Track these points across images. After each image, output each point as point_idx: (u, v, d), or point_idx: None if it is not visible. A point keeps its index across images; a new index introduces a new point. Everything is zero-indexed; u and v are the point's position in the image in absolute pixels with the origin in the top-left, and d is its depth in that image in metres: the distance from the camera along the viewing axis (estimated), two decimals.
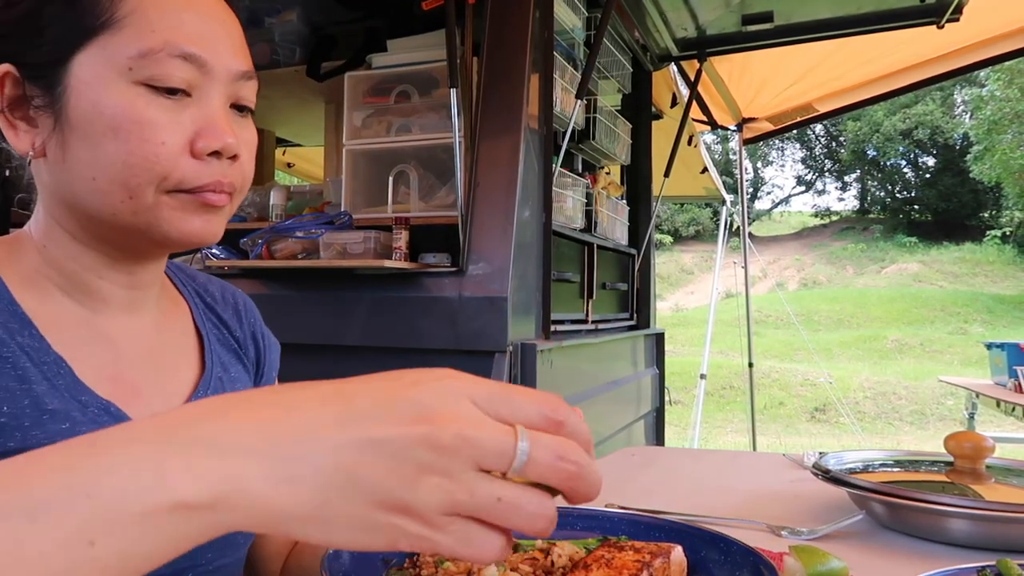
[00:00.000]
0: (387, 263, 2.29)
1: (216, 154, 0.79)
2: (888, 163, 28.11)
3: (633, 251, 3.80)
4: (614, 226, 3.53)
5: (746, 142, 5.51)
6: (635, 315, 3.84)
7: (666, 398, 4.14)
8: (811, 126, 24.46)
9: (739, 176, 6.24)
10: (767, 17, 3.65)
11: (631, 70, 3.60)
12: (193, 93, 0.79)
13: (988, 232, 23.48)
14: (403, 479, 0.44)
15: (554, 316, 2.58)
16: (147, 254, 0.85)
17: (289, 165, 5.67)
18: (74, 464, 0.42)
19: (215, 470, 0.43)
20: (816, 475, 1.19)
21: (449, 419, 0.45)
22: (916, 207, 27.82)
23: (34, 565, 0.39)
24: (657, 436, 4.03)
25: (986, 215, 24.74)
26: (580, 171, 3.21)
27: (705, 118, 5.09)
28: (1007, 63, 10.86)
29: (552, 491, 0.48)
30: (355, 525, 0.44)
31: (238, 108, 0.84)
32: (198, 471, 0.42)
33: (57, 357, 0.78)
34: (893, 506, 1.07)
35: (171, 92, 0.77)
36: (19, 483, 0.41)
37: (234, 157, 0.81)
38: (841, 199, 32.59)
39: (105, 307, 0.85)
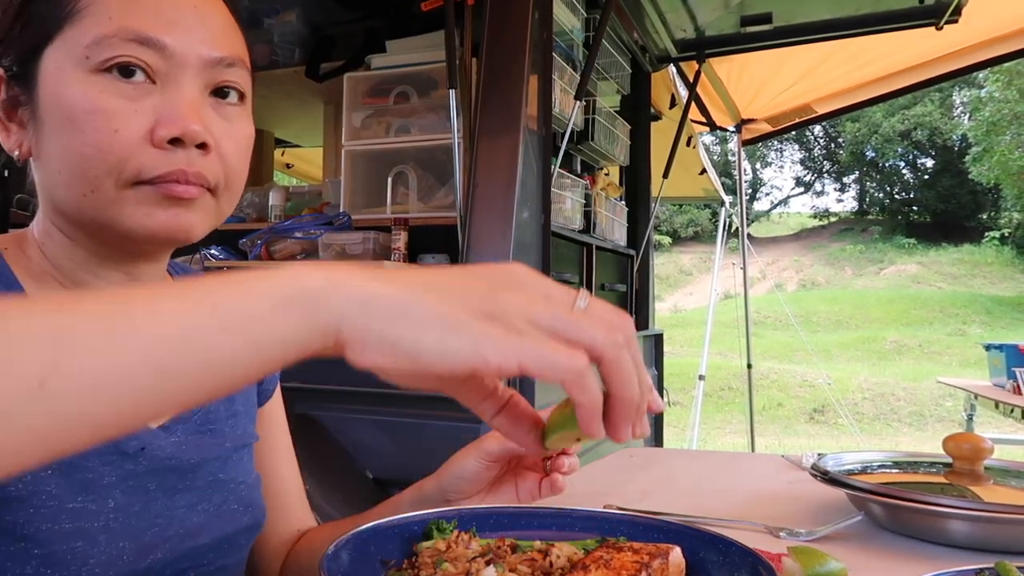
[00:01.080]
0: (386, 264, 2.29)
1: (179, 142, 0.75)
2: (887, 164, 28.12)
3: (632, 252, 3.80)
4: (613, 227, 3.53)
5: (745, 143, 5.51)
6: (634, 316, 3.84)
7: (665, 399, 4.14)
8: (810, 127, 24.51)
9: (738, 177, 6.24)
10: (766, 18, 3.65)
11: (630, 71, 3.60)
12: (158, 80, 0.75)
13: (987, 233, 23.49)
14: (487, 290, 0.50)
15: None
16: (133, 252, 0.83)
17: (288, 166, 5.67)
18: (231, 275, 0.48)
19: (333, 270, 0.49)
20: (815, 476, 1.19)
21: (515, 264, 0.54)
22: (915, 208, 27.84)
23: (165, 322, 0.44)
24: (656, 437, 4.03)
25: (985, 216, 24.76)
26: (579, 172, 3.21)
27: (704, 119, 5.09)
28: (1006, 64, 10.87)
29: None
30: (444, 323, 0.48)
31: (222, 95, 0.80)
32: (317, 274, 0.48)
33: None
34: (892, 507, 1.07)
35: (126, 75, 0.74)
36: (199, 286, 0.47)
37: (204, 146, 0.77)
38: (840, 200, 32.68)
39: None
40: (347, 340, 0.48)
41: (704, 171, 5.71)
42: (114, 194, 0.74)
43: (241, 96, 0.82)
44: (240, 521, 0.90)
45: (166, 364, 0.44)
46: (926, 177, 27.55)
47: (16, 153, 0.79)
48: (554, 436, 0.60)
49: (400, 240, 2.38)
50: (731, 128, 5.40)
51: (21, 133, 0.78)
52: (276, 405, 1.08)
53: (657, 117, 4.40)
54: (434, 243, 2.44)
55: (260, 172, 3.84)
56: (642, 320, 3.90)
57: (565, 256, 2.88)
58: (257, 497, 0.95)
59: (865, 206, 29.86)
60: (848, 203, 30.99)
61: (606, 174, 3.57)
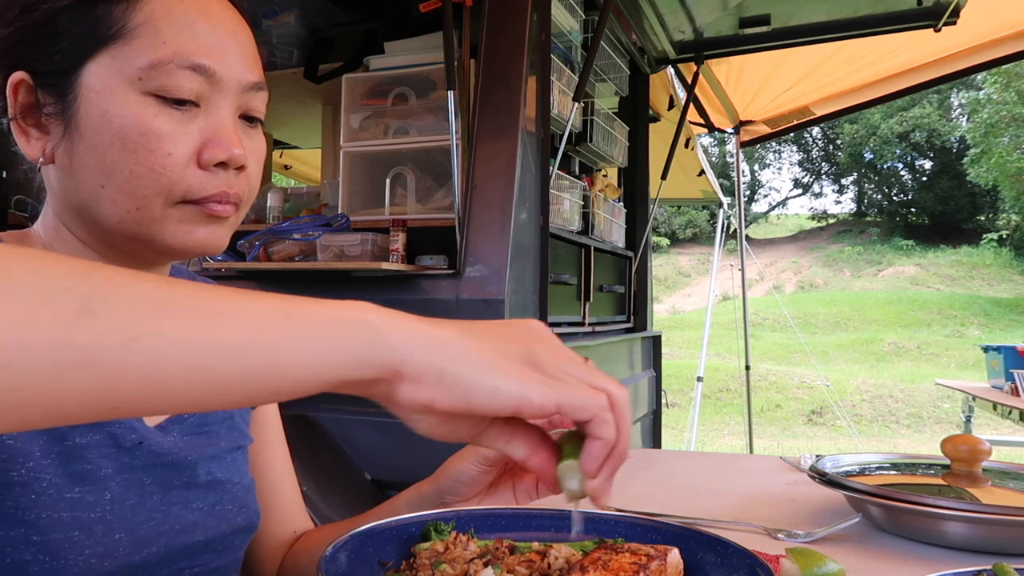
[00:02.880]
0: (384, 265, 2.29)
1: (223, 165, 0.79)
2: (885, 166, 28.16)
3: (630, 253, 3.80)
4: (611, 228, 3.53)
5: (743, 145, 5.52)
6: (632, 317, 3.84)
7: (663, 401, 4.14)
8: (808, 129, 24.49)
9: (736, 179, 6.24)
10: (764, 20, 3.65)
11: (628, 73, 3.60)
12: (202, 104, 0.79)
13: (985, 235, 23.52)
14: (523, 341, 0.57)
15: (551, 318, 2.58)
16: (151, 261, 0.86)
17: (286, 167, 5.67)
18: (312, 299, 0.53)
19: (390, 312, 0.54)
20: (813, 478, 1.19)
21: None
22: (913, 210, 27.87)
23: (248, 317, 0.48)
24: (654, 439, 4.03)
25: (983, 218, 24.79)
26: (577, 173, 3.21)
27: (702, 121, 5.10)
28: (1004, 66, 10.88)
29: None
30: (496, 367, 0.53)
31: (247, 119, 0.84)
32: (383, 311, 0.53)
33: None
34: (890, 509, 1.07)
35: (179, 103, 0.77)
36: (273, 296, 0.51)
37: (241, 168, 0.82)
38: (838, 202, 32.75)
39: None
40: (407, 374, 0.52)
41: (702, 173, 5.72)
42: (159, 212, 0.78)
43: (261, 116, 0.87)
44: (234, 521, 0.91)
45: (242, 354, 0.48)
46: (924, 179, 27.59)
47: (40, 159, 0.80)
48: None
49: (398, 241, 2.38)
50: (729, 130, 5.40)
51: (43, 139, 0.79)
52: (270, 408, 1.09)
53: (655, 119, 4.40)
54: (432, 244, 2.44)
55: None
56: (640, 321, 3.90)
57: (563, 257, 2.88)
58: (251, 499, 0.96)
59: (863, 208, 29.89)
60: (846, 205, 31.07)
61: (604, 175, 3.57)
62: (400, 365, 0.51)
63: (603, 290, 3.36)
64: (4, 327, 0.41)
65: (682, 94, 4.31)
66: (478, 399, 0.52)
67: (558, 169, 2.73)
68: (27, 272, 0.44)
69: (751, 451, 6.09)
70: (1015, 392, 4.98)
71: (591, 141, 3.08)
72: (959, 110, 26.16)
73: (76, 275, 0.45)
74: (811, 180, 31.78)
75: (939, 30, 3.52)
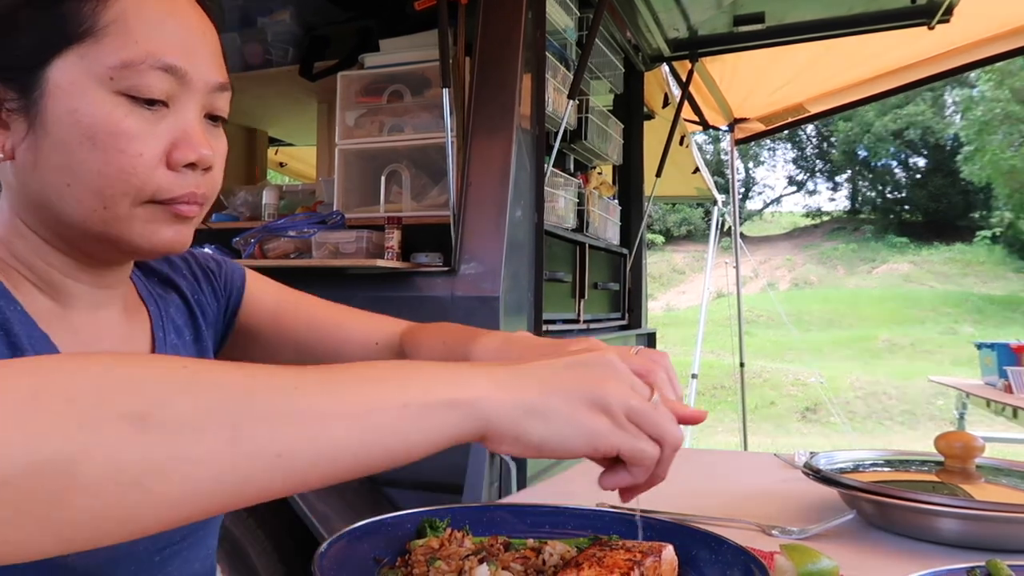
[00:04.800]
0: (379, 262, 2.29)
1: (191, 165, 0.79)
2: (879, 164, 28.15)
3: (625, 251, 3.81)
4: (606, 226, 3.53)
5: (737, 142, 5.52)
6: (627, 315, 3.85)
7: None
8: (802, 127, 24.52)
9: (730, 176, 6.24)
10: (759, 18, 3.66)
11: (623, 70, 3.60)
12: (171, 104, 0.79)
13: (978, 232, 23.52)
14: (596, 382, 0.64)
15: (546, 316, 2.58)
16: (113, 260, 0.85)
17: (281, 165, 5.66)
18: (397, 365, 0.63)
19: (484, 378, 0.61)
20: (807, 475, 1.20)
21: (601, 351, 0.71)
22: (907, 207, 27.87)
23: (373, 412, 0.56)
24: None
25: (976, 216, 24.77)
26: (572, 171, 3.21)
27: (697, 118, 5.10)
28: (998, 64, 10.89)
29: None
30: (566, 419, 0.62)
31: (211, 119, 0.84)
32: (471, 383, 0.61)
33: (43, 334, 0.78)
34: (883, 505, 1.08)
35: (150, 103, 0.77)
36: (360, 368, 0.60)
37: (207, 168, 0.82)
38: (832, 199, 32.68)
39: (75, 302, 0.84)
40: (490, 436, 0.60)
41: (697, 170, 5.72)
42: (126, 212, 0.78)
43: (225, 116, 0.87)
44: None
45: (368, 447, 0.55)
46: (918, 176, 27.59)
47: None
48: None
49: (393, 239, 2.38)
50: (724, 127, 5.40)
51: (4, 135, 0.78)
52: (256, 301, 1.09)
53: (650, 116, 4.40)
54: (427, 242, 2.43)
55: (254, 171, 3.84)
56: (635, 319, 3.91)
57: (558, 255, 2.89)
58: None
59: (857, 205, 29.88)
60: (840, 202, 31.03)
61: (599, 173, 3.57)
62: (485, 430, 0.60)
63: (598, 287, 3.36)
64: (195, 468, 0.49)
65: (676, 92, 4.32)
66: (549, 451, 0.62)
67: (553, 167, 2.73)
68: (191, 406, 0.50)
69: (745, 448, 6.10)
70: (1008, 389, 4.99)
71: (586, 139, 3.08)
72: (953, 108, 26.16)
73: (224, 401, 0.51)
74: (805, 178, 31.77)
75: (933, 28, 3.53)
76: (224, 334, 1.07)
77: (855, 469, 1.26)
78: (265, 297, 1.09)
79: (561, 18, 2.84)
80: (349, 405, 0.55)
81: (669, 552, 0.75)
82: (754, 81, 4.71)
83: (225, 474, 0.49)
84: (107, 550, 0.78)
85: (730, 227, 6.39)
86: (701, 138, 18.33)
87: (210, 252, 1.10)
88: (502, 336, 0.94)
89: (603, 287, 3.45)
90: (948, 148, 25.54)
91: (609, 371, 0.66)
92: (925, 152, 27.10)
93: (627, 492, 0.69)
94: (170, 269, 1.02)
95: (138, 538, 0.49)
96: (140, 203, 0.78)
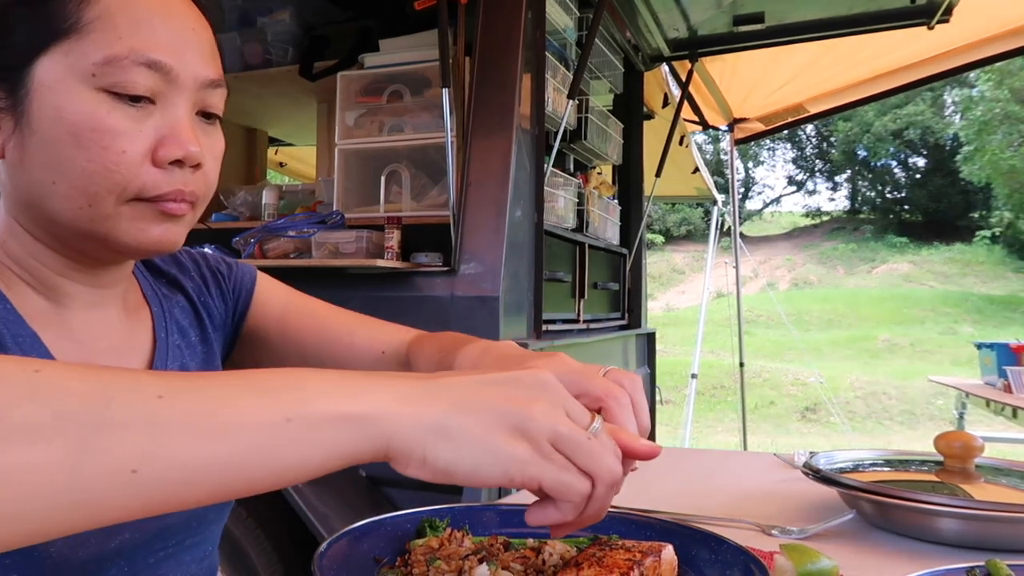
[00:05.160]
0: (379, 262, 2.29)
1: (178, 163, 0.78)
2: (879, 163, 28.16)
3: (624, 251, 3.81)
4: (606, 226, 3.53)
5: (737, 142, 5.52)
6: (626, 315, 3.85)
7: (657, 397, 4.15)
8: (802, 127, 24.54)
9: (730, 176, 6.25)
10: (758, 18, 3.66)
11: (623, 70, 3.60)
12: (158, 101, 0.78)
13: (978, 232, 23.53)
14: (519, 402, 0.56)
15: (546, 316, 2.58)
16: (107, 260, 0.85)
17: (281, 164, 5.66)
18: (293, 372, 0.55)
19: (387, 392, 0.55)
20: (806, 474, 1.20)
21: (539, 369, 0.61)
22: (906, 207, 27.88)
23: (245, 427, 0.50)
24: (648, 436, 4.03)
25: (976, 215, 24.78)
26: (572, 171, 3.21)
27: (696, 118, 5.10)
28: (997, 64, 10.90)
29: None
30: (477, 442, 0.54)
31: (205, 116, 0.84)
32: (369, 397, 0.54)
33: (32, 333, 0.78)
34: (883, 505, 1.08)
35: (134, 100, 0.76)
36: (251, 375, 0.54)
37: (197, 166, 0.81)
38: (832, 199, 32.70)
39: (71, 302, 0.84)
40: (393, 456, 0.54)
41: (697, 170, 5.72)
42: (112, 210, 0.77)
43: (219, 113, 0.86)
44: None
45: (242, 466, 0.50)
46: (918, 176, 27.60)
47: None
48: None
49: (393, 239, 2.38)
50: (723, 127, 5.40)
51: None
52: (264, 303, 1.08)
53: (650, 116, 4.40)
54: (427, 242, 2.44)
55: (253, 171, 3.84)
56: (635, 319, 3.91)
57: (558, 255, 2.89)
58: None
59: (857, 205, 29.88)
60: (840, 202, 31.04)
61: (599, 173, 3.57)
62: (387, 449, 0.54)
63: (598, 287, 3.36)
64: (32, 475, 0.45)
65: (676, 91, 4.31)
66: (460, 478, 0.55)
67: (553, 166, 2.73)
68: (29, 409, 0.46)
69: (745, 448, 6.10)
70: (1008, 389, 4.99)
71: (586, 138, 3.08)
72: (952, 108, 26.16)
73: (76, 407, 0.47)
74: (805, 177, 31.78)
75: (932, 28, 3.53)
76: (233, 338, 1.06)
77: (855, 469, 1.26)
78: (273, 299, 1.08)
79: (561, 18, 2.84)
80: (221, 418, 0.50)
81: (669, 552, 0.75)
82: (754, 81, 4.71)
83: (72, 490, 0.45)
84: (95, 549, 0.78)
85: (730, 227, 6.39)
86: (701, 138, 18.36)
87: (221, 255, 1.09)
88: (483, 345, 0.89)
89: (603, 287, 3.45)
90: (948, 148, 25.55)
91: (538, 391, 0.59)
92: (925, 152, 27.10)
93: (557, 529, 0.62)
94: (178, 271, 1.01)
95: None
96: (125, 201, 0.77)
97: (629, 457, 0.63)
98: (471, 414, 0.55)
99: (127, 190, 0.76)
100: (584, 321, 3.17)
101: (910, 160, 27.96)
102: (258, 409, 0.51)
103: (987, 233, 23.16)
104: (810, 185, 31.84)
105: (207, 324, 1.01)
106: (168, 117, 0.78)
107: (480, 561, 0.72)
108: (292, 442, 0.51)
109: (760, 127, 5.33)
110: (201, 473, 0.48)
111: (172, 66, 0.77)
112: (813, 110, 4.99)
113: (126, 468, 0.46)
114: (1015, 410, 4.76)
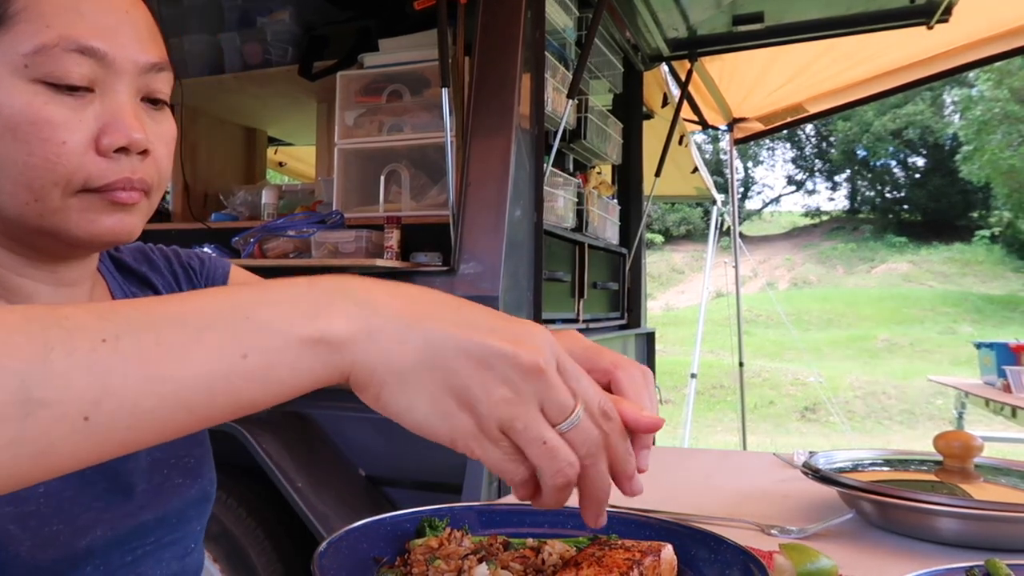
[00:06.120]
0: (379, 262, 2.29)
1: (123, 150, 0.77)
2: (878, 163, 28.16)
3: (624, 250, 3.81)
4: (605, 225, 3.53)
5: (737, 142, 5.53)
6: (626, 314, 3.85)
7: (657, 397, 4.15)
8: (801, 126, 24.52)
9: (730, 176, 6.25)
10: (758, 18, 3.66)
11: (622, 70, 3.61)
12: (96, 88, 0.76)
13: (977, 232, 23.53)
14: (481, 381, 0.52)
15: (545, 315, 2.58)
16: (64, 255, 0.83)
17: (281, 164, 5.66)
18: (239, 294, 0.51)
19: (358, 319, 0.51)
20: (806, 474, 1.20)
21: (537, 351, 0.53)
22: (906, 207, 27.88)
23: (197, 368, 0.47)
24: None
25: (975, 215, 24.78)
26: (571, 170, 3.21)
27: (696, 118, 5.11)
28: (996, 64, 10.90)
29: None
30: (430, 400, 0.52)
31: (152, 102, 0.82)
32: (346, 317, 0.51)
33: None
34: (882, 505, 1.08)
35: (71, 89, 0.74)
36: (191, 304, 0.50)
37: (144, 152, 0.79)
38: (831, 199, 32.72)
39: (32, 302, 0.82)
40: (351, 383, 0.52)
41: (696, 170, 5.72)
42: (59, 203, 0.75)
43: (167, 99, 0.84)
44: (187, 495, 0.91)
45: (196, 405, 0.48)
46: (917, 176, 27.60)
47: None
48: None
49: (393, 238, 2.38)
50: (723, 127, 5.41)
51: None
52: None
53: (649, 116, 4.41)
54: (427, 241, 2.44)
55: (253, 170, 3.84)
56: (634, 318, 3.91)
57: (557, 254, 2.89)
58: (206, 469, 0.95)
59: (856, 205, 29.88)
60: (839, 202, 31.05)
61: (598, 172, 3.58)
62: (347, 376, 0.52)
63: (597, 287, 3.36)
64: None
65: (676, 91, 4.32)
66: (409, 425, 0.53)
67: (552, 166, 2.74)
68: None
69: (744, 447, 6.11)
70: (1007, 388, 4.99)
71: (585, 138, 3.08)
72: (952, 107, 26.15)
73: (16, 353, 0.44)
74: (804, 177, 31.78)
75: (932, 28, 3.53)
76: None
77: (854, 469, 1.26)
78: None
79: (560, 18, 2.84)
80: (172, 364, 0.47)
81: (668, 551, 0.75)
82: (753, 81, 4.72)
83: (20, 442, 0.43)
84: (64, 548, 0.77)
85: (729, 227, 6.39)
86: (700, 138, 18.34)
87: (197, 251, 1.08)
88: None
89: (602, 287, 3.45)
90: (947, 148, 25.54)
91: (510, 370, 0.53)
92: (924, 152, 27.11)
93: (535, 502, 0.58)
94: (149, 268, 1.00)
95: None
96: (73, 193, 0.75)
97: (632, 431, 0.59)
98: (436, 369, 0.51)
99: (72, 182, 0.74)
100: (583, 321, 3.17)
101: (909, 160, 27.96)
102: (209, 350, 0.48)
103: (986, 233, 23.17)
104: (809, 185, 31.86)
105: None
106: (108, 104, 0.76)
107: (479, 561, 0.71)
108: (249, 379, 0.49)
109: (759, 127, 5.33)
110: (154, 422, 0.47)
111: (106, 51, 0.75)
112: (812, 110, 5.00)
113: (75, 416, 0.44)
114: (1014, 410, 4.76)
